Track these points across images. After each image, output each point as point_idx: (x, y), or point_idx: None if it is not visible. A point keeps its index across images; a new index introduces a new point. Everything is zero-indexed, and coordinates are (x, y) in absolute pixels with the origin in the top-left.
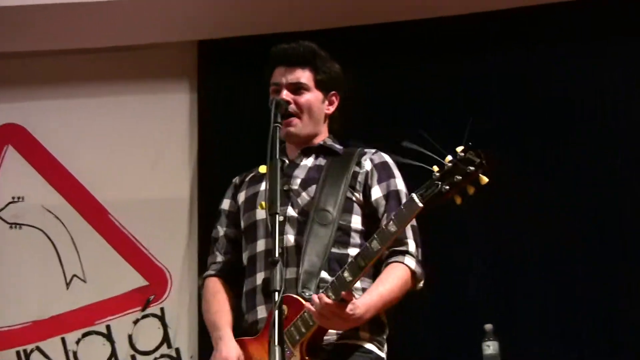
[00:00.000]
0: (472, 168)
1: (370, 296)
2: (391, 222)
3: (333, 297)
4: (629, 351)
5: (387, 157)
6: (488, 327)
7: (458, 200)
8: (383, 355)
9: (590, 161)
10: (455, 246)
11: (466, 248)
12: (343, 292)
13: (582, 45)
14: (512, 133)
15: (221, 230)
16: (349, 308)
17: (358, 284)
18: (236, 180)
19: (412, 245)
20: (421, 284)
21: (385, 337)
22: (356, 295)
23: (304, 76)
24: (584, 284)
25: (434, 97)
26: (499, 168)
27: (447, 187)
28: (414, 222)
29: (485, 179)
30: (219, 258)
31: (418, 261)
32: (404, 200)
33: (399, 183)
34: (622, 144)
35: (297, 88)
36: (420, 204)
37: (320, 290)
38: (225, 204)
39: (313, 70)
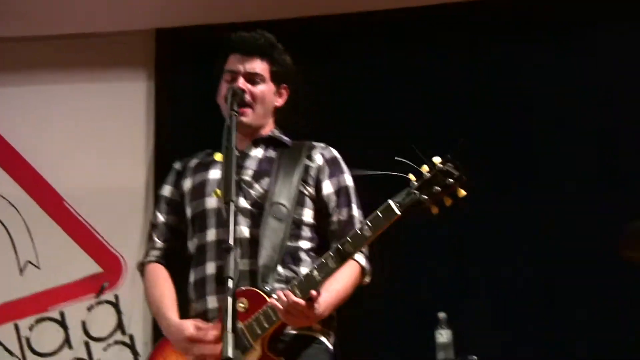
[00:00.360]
0: (451, 180)
1: (329, 294)
2: (366, 227)
3: (300, 294)
4: (577, 339)
5: (336, 152)
6: (441, 315)
7: (434, 210)
8: (331, 347)
9: (548, 157)
10: (408, 235)
11: (419, 237)
12: (312, 292)
13: (548, 37)
14: (475, 127)
15: (161, 217)
16: (315, 307)
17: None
18: (177, 166)
19: None
20: (368, 278)
21: (334, 327)
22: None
23: (261, 67)
24: (534, 274)
25: (395, 93)
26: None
27: (426, 197)
28: (362, 216)
29: (463, 192)
30: (159, 244)
31: (367, 257)
32: (353, 196)
33: (349, 179)
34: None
35: (253, 78)
36: (398, 212)
37: (287, 287)
38: (166, 191)
39: (269, 62)
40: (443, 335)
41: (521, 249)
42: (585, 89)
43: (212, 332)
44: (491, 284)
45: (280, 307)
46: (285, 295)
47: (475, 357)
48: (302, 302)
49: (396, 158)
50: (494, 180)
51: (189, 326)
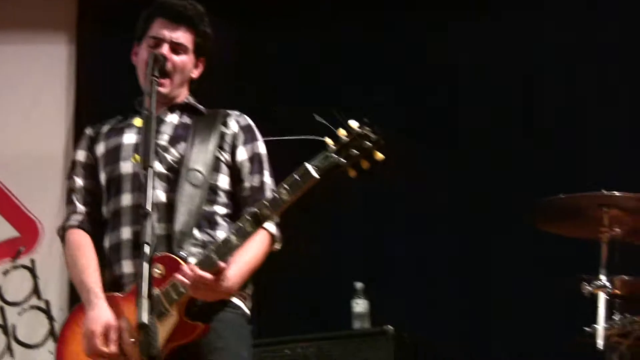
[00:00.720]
0: (369, 144)
1: (239, 266)
2: (284, 191)
3: (217, 259)
4: (492, 309)
5: (250, 120)
6: (358, 285)
7: (352, 174)
8: (248, 311)
9: (466, 128)
10: (327, 204)
11: (338, 207)
12: (220, 264)
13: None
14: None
15: (79, 181)
16: (221, 281)
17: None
18: (89, 131)
19: None
20: (278, 245)
21: (250, 292)
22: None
23: (186, 38)
24: (451, 246)
25: (311, 62)
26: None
27: (344, 161)
28: (273, 184)
29: (380, 155)
30: (80, 209)
31: (277, 225)
32: (265, 164)
33: (262, 147)
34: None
35: (177, 48)
36: (317, 176)
37: (204, 251)
38: (80, 155)
39: (195, 34)
40: (359, 305)
41: (439, 221)
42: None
43: (124, 335)
44: (409, 256)
45: (187, 282)
46: (190, 269)
47: (390, 327)
48: (208, 275)
49: (314, 115)
50: (413, 153)
51: (111, 318)
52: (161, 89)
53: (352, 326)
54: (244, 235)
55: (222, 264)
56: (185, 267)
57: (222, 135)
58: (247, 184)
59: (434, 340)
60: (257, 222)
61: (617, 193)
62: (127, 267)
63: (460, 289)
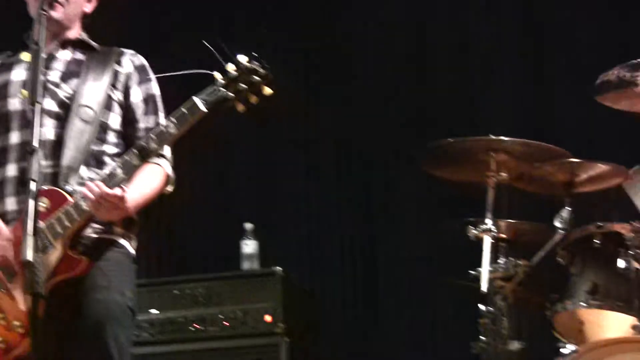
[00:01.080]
0: (257, 78)
1: (137, 194)
2: (171, 124)
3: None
4: (382, 252)
5: (144, 60)
6: (248, 226)
7: (240, 108)
8: (133, 251)
9: (361, 73)
10: (219, 144)
11: (230, 148)
12: (119, 187)
13: None
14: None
15: None
16: (123, 199)
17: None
18: None
19: (167, 149)
20: (171, 187)
21: (136, 232)
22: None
23: None
24: (341, 188)
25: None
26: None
27: (232, 95)
28: None
29: (268, 90)
30: None
31: (171, 165)
32: (160, 104)
33: (156, 87)
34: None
35: None
36: (204, 109)
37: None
38: None
39: None
40: (249, 246)
41: (329, 163)
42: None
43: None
44: (298, 199)
45: (92, 197)
46: (96, 185)
47: (279, 268)
48: (113, 192)
49: (204, 42)
50: (304, 94)
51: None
52: (53, 13)
53: (241, 267)
54: (130, 169)
55: (121, 187)
56: (90, 183)
57: (116, 74)
58: (141, 125)
59: (322, 282)
60: (144, 155)
61: (504, 138)
62: (10, 204)
63: (350, 233)
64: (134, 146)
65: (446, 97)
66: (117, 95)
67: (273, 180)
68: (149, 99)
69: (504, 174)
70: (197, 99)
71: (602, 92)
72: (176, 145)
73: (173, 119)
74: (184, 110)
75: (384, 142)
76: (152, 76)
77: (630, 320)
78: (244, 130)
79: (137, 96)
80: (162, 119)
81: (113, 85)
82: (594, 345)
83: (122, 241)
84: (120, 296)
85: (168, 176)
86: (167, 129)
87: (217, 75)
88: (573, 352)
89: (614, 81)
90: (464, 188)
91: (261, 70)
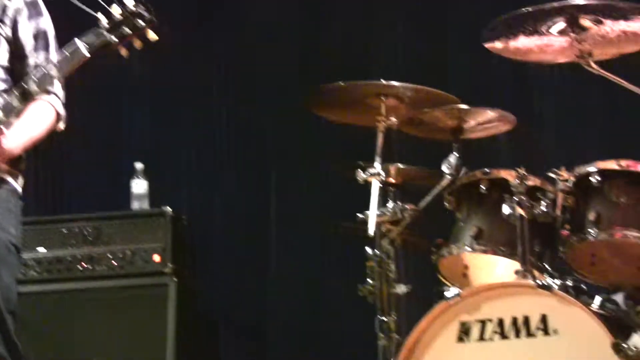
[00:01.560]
0: (142, 23)
1: (22, 136)
2: (52, 67)
3: None
4: (274, 193)
5: None
6: (138, 166)
7: (124, 52)
8: (19, 188)
9: (255, 20)
10: (109, 82)
11: (122, 87)
12: None
13: None
14: None
15: None
16: (3, 142)
17: None
18: None
19: (58, 87)
20: (63, 125)
21: (22, 169)
22: None
23: None
24: (232, 130)
25: None
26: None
27: (115, 40)
28: None
29: (154, 36)
30: None
31: (63, 104)
32: (52, 40)
33: (48, 23)
34: None
35: None
36: (87, 54)
37: None
38: None
39: None
40: (138, 185)
41: (218, 106)
42: None
43: None
44: (191, 136)
45: None
46: None
47: (169, 208)
48: None
49: None
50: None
51: None
52: None
53: (131, 206)
54: (10, 111)
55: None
56: None
57: (4, 9)
58: (31, 61)
59: (212, 223)
60: (25, 98)
61: (395, 83)
62: None
63: (241, 173)
64: (15, 87)
65: (340, 42)
66: (5, 31)
67: (161, 122)
68: (39, 35)
69: (393, 119)
70: (79, 42)
71: (491, 39)
72: (68, 82)
73: (54, 62)
74: (66, 53)
75: (275, 84)
76: (45, 12)
77: (514, 265)
78: (137, 69)
79: (26, 31)
80: (53, 55)
81: (0, 20)
82: (477, 289)
83: (8, 178)
84: (4, 233)
85: (59, 114)
86: (48, 71)
87: (102, 17)
88: (456, 295)
89: (503, 29)
90: (354, 132)
91: (147, 14)
